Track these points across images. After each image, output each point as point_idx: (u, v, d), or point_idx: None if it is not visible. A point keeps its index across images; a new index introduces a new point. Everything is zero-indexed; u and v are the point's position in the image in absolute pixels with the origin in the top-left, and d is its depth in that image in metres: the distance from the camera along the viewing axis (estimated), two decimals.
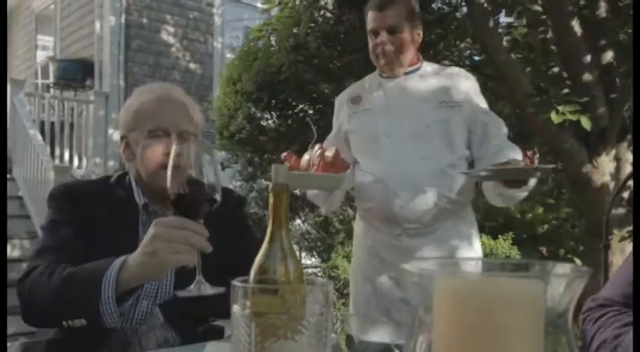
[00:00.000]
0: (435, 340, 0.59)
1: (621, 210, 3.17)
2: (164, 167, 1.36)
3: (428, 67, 2.04)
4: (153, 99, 1.44)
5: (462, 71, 2.08)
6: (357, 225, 2.16)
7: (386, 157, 1.95)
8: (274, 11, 4.48)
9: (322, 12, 3.94)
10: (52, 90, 7.71)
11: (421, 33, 2.02)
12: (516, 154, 1.83)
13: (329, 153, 1.72)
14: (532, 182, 1.77)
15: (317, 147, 1.77)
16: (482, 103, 2.01)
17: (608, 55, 3.40)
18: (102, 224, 1.38)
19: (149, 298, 1.38)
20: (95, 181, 1.62)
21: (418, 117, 1.94)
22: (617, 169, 3.25)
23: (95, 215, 1.39)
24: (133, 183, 1.48)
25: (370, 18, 1.96)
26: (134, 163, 1.47)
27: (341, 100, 2.14)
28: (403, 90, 1.99)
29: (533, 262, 0.67)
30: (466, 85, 1.99)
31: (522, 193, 1.84)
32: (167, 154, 1.35)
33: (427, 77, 2.01)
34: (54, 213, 1.42)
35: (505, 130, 1.97)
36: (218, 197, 1.11)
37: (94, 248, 1.33)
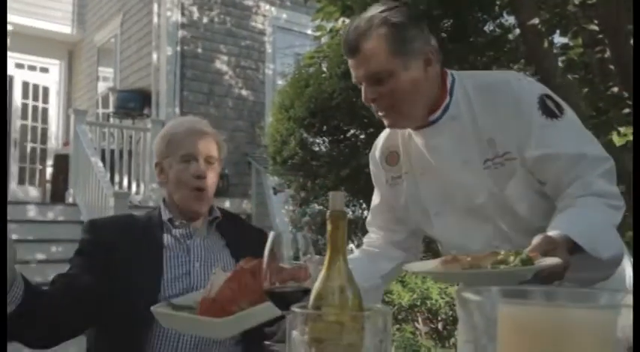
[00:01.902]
0: None
1: None
2: (189, 189, 1.61)
3: (461, 92, 1.41)
4: (183, 131, 1.65)
5: (513, 87, 1.37)
6: None
7: (446, 241, 1.50)
8: (325, 38, 4.55)
9: None
10: (111, 119, 8.03)
11: (432, 54, 1.38)
12: (583, 221, 1.20)
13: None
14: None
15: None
16: (545, 133, 1.32)
17: None
18: (125, 245, 1.54)
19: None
20: (128, 214, 1.87)
21: (464, 192, 1.40)
22: None
23: (117, 240, 1.56)
24: (162, 204, 1.68)
25: (350, 66, 1.40)
26: (167, 186, 1.66)
27: (375, 160, 1.60)
28: (434, 149, 1.42)
29: (602, 292, 0.65)
30: (518, 115, 1.33)
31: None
32: (196, 176, 1.60)
33: (461, 117, 1.39)
34: (79, 246, 1.61)
35: (594, 170, 1.29)
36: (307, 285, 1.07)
37: (123, 264, 1.50)
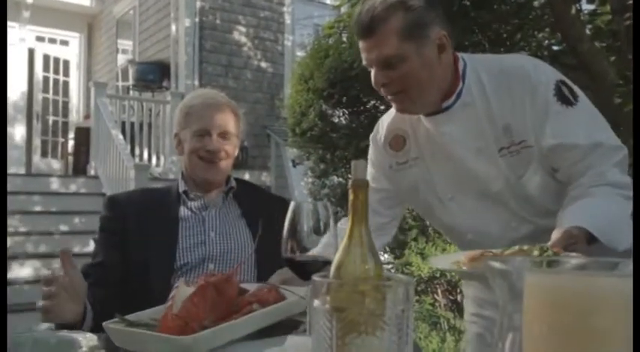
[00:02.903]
0: (525, 341, 0.57)
1: None
2: (202, 159, 1.63)
3: (473, 78, 1.37)
4: (200, 104, 1.66)
5: (528, 71, 1.33)
6: None
7: (461, 225, 1.46)
8: (345, 7, 4.48)
9: None
10: (131, 91, 8.06)
11: (447, 39, 1.33)
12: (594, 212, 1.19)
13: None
14: None
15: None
16: (561, 121, 1.29)
17: None
18: (143, 219, 1.58)
19: None
20: (147, 188, 1.97)
21: (479, 179, 1.38)
22: None
23: (136, 212, 1.60)
24: (180, 176, 1.72)
25: (360, 48, 1.36)
26: (183, 157, 1.70)
27: (376, 142, 1.54)
28: (447, 136, 1.38)
29: (629, 261, 0.63)
30: (534, 101, 1.30)
31: None
32: (207, 151, 1.62)
33: (475, 103, 1.35)
34: (100, 223, 1.64)
35: (609, 160, 1.28)
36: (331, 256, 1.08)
37: (139, 237, 1.55)
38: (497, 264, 0.62)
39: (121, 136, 6.23)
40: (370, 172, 1.57)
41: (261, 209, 1.66)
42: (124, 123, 6.91)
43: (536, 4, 3.76)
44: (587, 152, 1.29)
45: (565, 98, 1.31)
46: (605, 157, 1.29)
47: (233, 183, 1.71)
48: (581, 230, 1.15)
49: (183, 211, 1.64)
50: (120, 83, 8.75)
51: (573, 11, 3.14)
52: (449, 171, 1.42)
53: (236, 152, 1.71)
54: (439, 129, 1.39)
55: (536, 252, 1.10)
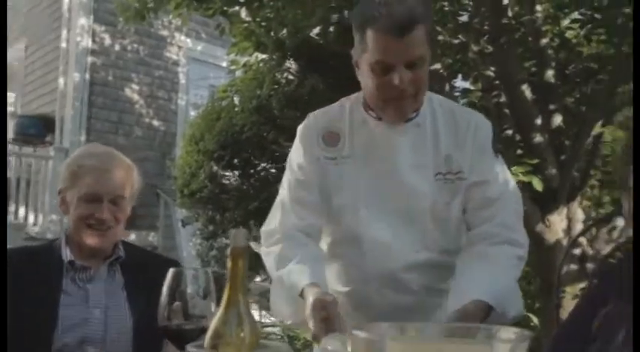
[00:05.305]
0: None
1: (574, 267, 3.24)
2: (90, 227, 1.49)
3: (428, 107, 1.44)
4: (91, 167, 1.50)
5: (474, 117, 1.48)
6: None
7: (362, 240, 1.41)
8: (239, 72, 4.58)
9: (285, 75, 4.05)
10: (10, 145, 7.59)
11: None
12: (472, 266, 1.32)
13: None
14: None
15: None
16: (492, 163, 1.44)
17: (558, 119, 3.57)
18: (21, 287, 1.42)
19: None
20: (22, 248, 1.74)
21: (408, 194, 1.40)
22: (569, 228, 3.34)
23: (12, 277, 1.41)
24: (63, 240, 1.54)
25: (380, 45, 1.29)
26: (68, 217, 1.54)
27: (307, 134, 1.49)
28: (391, 146, 1.42)
29: (479, 326, 0.70)
30: (475, 141, 1.42)
31: None
32: (97, 219, 1.48)
33: (425, 126, 1.43)
34: None
35: (506, 212, 1.41)
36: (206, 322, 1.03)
37: (14, 309, 1.37)
38: (361, 333, 0.66)
39: None
40: (302, 165, 1.48)
41: (145, 279, 1.48)
42: None
43: None
44: (496, 192, 1.40)
45: (496, 148, 1.47)
46: (509, 203, 1.42)
47: (121, 253, 1.56)
48: (481, 303, 1.24)
49: (65, 283, 1.47)
50: None
51: (447, 88, 3.42)
52: (378, 179, 1.41)
53: (127, 215, 1.57)
54: (389, 137, 1.42)
55: None
